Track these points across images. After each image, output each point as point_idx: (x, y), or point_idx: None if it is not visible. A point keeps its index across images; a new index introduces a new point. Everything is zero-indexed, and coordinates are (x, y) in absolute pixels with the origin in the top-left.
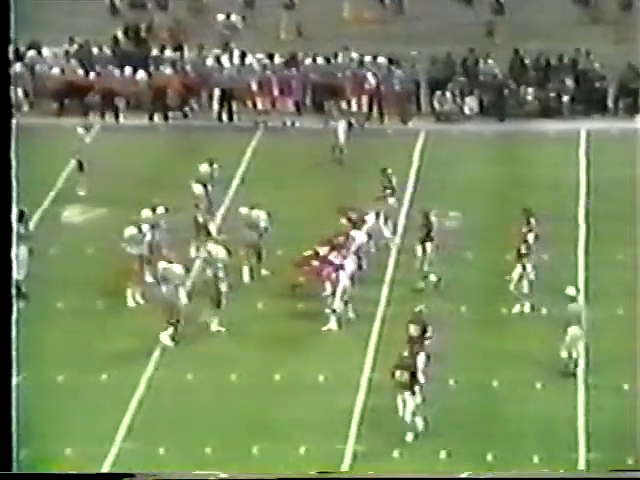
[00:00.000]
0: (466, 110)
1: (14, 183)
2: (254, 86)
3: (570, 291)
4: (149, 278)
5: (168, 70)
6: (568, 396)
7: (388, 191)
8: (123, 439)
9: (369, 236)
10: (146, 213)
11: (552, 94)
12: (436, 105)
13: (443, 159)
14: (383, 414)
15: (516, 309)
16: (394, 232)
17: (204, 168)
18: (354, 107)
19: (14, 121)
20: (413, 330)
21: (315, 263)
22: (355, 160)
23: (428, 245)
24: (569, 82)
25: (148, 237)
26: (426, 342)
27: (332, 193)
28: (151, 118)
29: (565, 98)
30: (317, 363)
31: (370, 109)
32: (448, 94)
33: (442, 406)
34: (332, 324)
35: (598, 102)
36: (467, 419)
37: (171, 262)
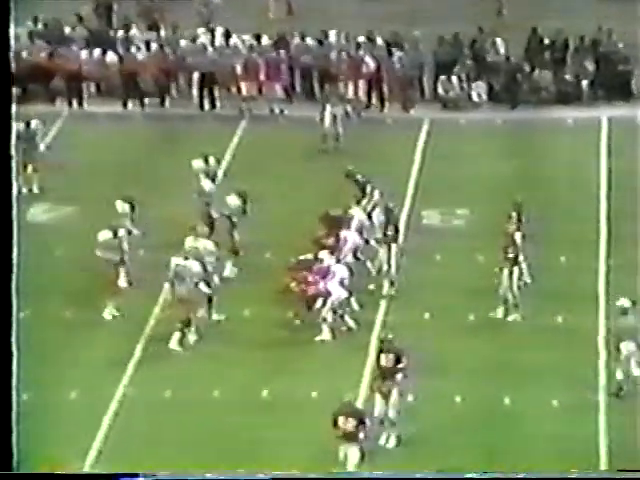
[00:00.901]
0: (474, 96)
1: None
2: (239, 70)
3: (623, 302)
4: (123, 283)
5: (142, 52)
6: (588, 414)
7: (366, 190)
8: (93, 463)
9: (361, 233)
10: (120, 205)
11: (570, 78)
12: (441, 91)
13: (449, 150)
14: None
15: (504, 315)
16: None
17: (197, 164)
18: (350, 93)
19: None
20: (385, 361)
21: (305, 272)
22: (352, 152)
23: (394, 247)
24: (589, 65)
25: (124, 241)
26: (398, 376)
27: (326, 189)
28: (125, 105)
29: (584, 82)
30: (310, 378)
31: (368, 95)
32: (455, 79)
33: (448, 425)
34: (325, 334)
35: (621, 87)
36: (475, 438)
37: (187, 258)
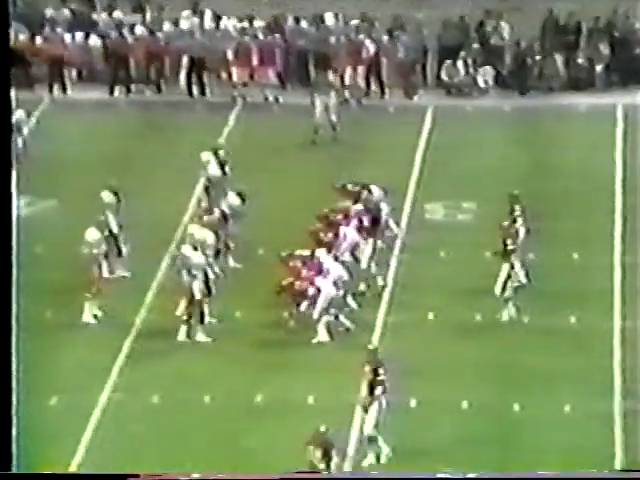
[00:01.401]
0: (480, 82)
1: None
2: (230, 55)
3: None
4: (125, 273)
5: (127, 35)
6: (602, 421)
7: (365, 192)
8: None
9: (360, 231)
10: (107, 196)
11: (583, 62)
12: (446, 77)
13: (454, 139)
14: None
15: (504, 316)
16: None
17: (206, 157)
18: (349, 79)
19: None
20: (369, 372)
21: (299, 264)
22: (350, 142)
23: (378, 242)
24: (604, 48)
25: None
26: (377, 389)
27: (323, 181)
28: (111, 92)
29: (599, 67)
30: (306, 382)
31: (368, 82)
32: (460, 64)
33: (454, 432)
34: (322, 335)
35: (638, 72)
36: (482, 447)
37: (195, 249)
